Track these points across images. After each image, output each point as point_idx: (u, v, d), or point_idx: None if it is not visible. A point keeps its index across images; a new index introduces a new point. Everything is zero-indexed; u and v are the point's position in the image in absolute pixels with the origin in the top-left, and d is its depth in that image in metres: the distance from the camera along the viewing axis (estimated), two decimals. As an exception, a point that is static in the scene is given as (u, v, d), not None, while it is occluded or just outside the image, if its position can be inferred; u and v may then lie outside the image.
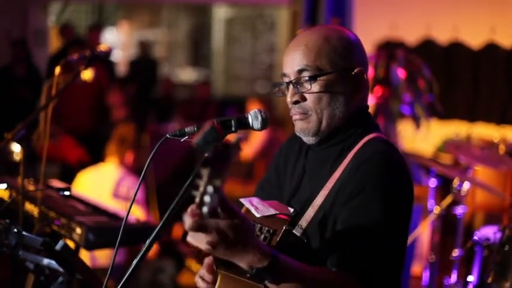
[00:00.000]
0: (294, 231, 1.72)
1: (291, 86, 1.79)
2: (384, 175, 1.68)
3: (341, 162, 1.76)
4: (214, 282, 1.76)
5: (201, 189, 1.31)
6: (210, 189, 1.29)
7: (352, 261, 1.62)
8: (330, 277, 1.62)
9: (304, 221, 1.74)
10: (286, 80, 1.81)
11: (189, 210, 1.35)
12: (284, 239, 1.71)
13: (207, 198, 1.30)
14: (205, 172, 1.30)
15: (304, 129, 1.80)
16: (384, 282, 1.66)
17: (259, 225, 1.76)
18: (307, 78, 1.75)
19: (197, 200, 1.33)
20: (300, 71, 1.77)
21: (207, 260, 1.87)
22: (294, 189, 1.89)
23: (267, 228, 1.75)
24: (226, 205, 1.39)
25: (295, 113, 1.80)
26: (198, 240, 1.40)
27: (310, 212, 1.74)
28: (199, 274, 1.85)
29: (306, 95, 1.77)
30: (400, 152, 1.81)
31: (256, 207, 1.78)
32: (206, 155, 1.38)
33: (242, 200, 1.83)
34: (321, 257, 1.69)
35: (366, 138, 1.78)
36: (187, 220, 1.34)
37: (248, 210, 1.80)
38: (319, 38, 1.77)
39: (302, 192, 1.86)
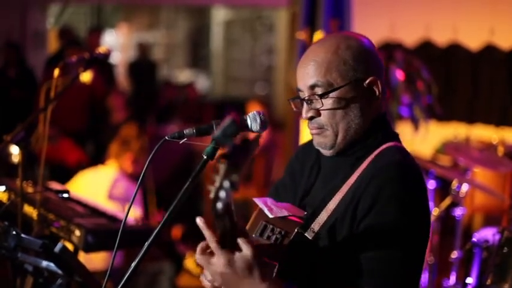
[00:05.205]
0: (305, 234, 1.72)
1: (304, 103, 1.79)
2: (397, 186, 1.67)
3: (357, 168, 1.76)
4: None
5: (217, 183, 1.27)
6: (226, 184, 1.26)
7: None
8: None
9: (316, 225, 1.73)
10: (301, 94, 1.81)
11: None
12: (295, 242, 1.72)
13: (222, 194, 1.27)
14: (222, 166, 1.26)
15: (321, 143, 1.81)
16: None
17: (271, 226, 1.77)
18: (318, 95, 1.75)
19: (212, 195, 1.30)
20: (312, 87, 1.76)
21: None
22: (306, 192, 1.90)
23: (279, 230, 1.75)
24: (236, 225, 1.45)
25: (311, 127, 1.81)
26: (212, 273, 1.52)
27: (323, 216, 1.74)
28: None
29: (320, 111, 1.77)
30: (416, 161, 1.79)
31: (270, 207, 1.78)
32: (224, 148, 1.33)
33: (256, 200, 1.83)
34: (332, 262, 1.69)
35: (383, 147, 1.78)
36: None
37: (261, 210, 1.80)
38: (328, 51, 1.76)
39: (315, 196, 1.85)
